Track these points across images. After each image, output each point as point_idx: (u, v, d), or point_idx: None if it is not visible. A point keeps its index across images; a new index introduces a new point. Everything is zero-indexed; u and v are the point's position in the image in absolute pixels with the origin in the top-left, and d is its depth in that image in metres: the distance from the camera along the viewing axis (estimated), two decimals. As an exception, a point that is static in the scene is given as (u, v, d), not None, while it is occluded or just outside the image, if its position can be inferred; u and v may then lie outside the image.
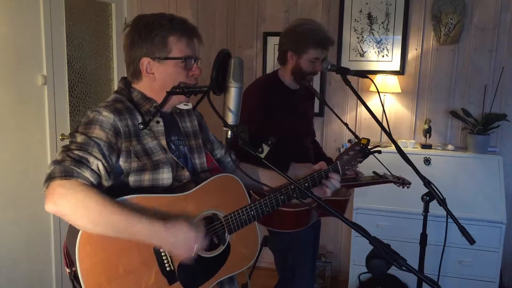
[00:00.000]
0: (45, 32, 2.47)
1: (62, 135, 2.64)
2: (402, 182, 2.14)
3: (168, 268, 1.27)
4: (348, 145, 1.62)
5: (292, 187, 1.45)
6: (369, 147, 1.60)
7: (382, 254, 1.05)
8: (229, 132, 1.33)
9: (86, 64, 2.89)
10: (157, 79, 1.35)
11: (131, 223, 1.16)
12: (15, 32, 2.31)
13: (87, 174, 1.17)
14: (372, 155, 1.72)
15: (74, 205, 1.12)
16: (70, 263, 1.19)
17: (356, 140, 1.61)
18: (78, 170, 1.16)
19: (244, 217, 1.39)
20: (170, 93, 1.33)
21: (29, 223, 2.47)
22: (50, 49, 2.52)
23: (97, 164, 1.19)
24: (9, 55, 2.30)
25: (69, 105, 2.72)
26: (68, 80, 2.70)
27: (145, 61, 1.33)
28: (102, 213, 1.13)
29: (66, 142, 2.64)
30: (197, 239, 1.24)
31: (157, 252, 1.25)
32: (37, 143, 2.51)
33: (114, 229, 1.15)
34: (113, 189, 1.24)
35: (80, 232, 1.15)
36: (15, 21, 2.31)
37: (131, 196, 1.22)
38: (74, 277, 1.17)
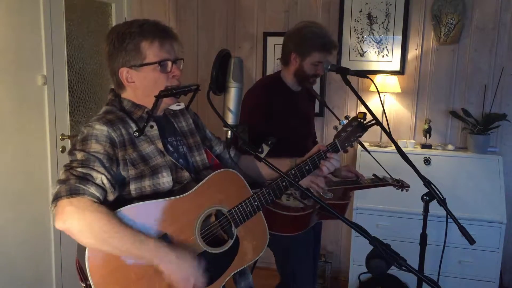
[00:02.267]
0: (45, 32, 2.47)
1: (62, 135, 2.63)
2: (401, 185, 2.14)
3: None
4: (345, 121, 1.62)
5: (293, 172, 1.46)
6: (366, 120, 1.59)
7: (382, 254, 1.05)
8: (229, 132, 1.33)
9: (86, 64, 2.89)
10: (138, 87, 1.35)
11: (137, 247, 1.17)
12: (15, 32, 2.31)
13: (92, 190, 1.18)
14: (373, 159, 1.72)
15: (82, 225, 1.14)
16: (84, 277, 1.20)
17: (353, 116, 1.61)
18: (84, 187, 1.17)
19: (248, 208, 1.40)
20: (159, 97, 1.33)
21: (29, 223, 2.46)
22: (50, 49, 2.52)
23: (101, 178, 1.21)
24: (9, 55, 2.29)
25: (69, 105, 2.71)
26: (68, 80, 2.69)
27: (123, 71, 1.33)
28: (108, 234, 1.14)
29: (66, 142, 2.65)
30: (197, 271, 1.25)
31: None
32: (37, 143, 2.50)
33: (119, 250, 1.17)
34: (116, 200, 1.25)
35: None
36: (15, 21, 2.31)
37: (132, 205, 1.22)
38: None
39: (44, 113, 2.52)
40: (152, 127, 1.37)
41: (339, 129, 1.59)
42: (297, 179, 1.47)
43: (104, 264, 1.17)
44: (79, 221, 1.14)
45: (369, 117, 1.58)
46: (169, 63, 1.34)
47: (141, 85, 1.35)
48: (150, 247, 1.18)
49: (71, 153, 1.25)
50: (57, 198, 1.16)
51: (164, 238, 1.25)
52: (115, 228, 1.15)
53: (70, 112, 2.72)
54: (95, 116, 1.33)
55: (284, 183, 1.45)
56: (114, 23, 3.08)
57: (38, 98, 2.48)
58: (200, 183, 1.34)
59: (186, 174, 1.38)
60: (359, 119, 1.57)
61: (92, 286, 1.15)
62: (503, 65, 3.00)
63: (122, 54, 1.32)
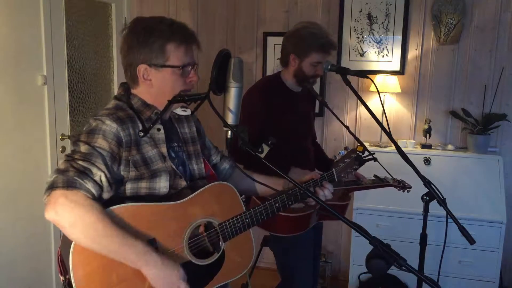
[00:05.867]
0: (45, 32, 2.47)
1: (62, 135, 2.64)
2: (403, 186, 2.14)
3: None
4: (344, 152, 1.63)
5: (286, 195, 1.46)
6: (365, 154, 1.60)
7: (382, 254, 1.05)
8: (229, 132, 1.33)
9: (86, 64, 2.89)
10: (154, 85, 1.33)
11: (125, 249, 1.16)
12: (15, 32, 2.31)
13: (89, 185, 1.17)
14: (373, 159, 1.71)
15: (73, 219, 1.13)
16: (64, 270, 1.19)
17: (352, 147, 1.62)
18: (81, 181, 1.16)
19: (239, 225, 1.39)
20: (171, 102, 1.32)
21: (29, 223, 2.46)
22: (50, 49, 2.52)
23: (100, 175, 1.19)
24: (9, 55, 2.30)
25: (69, 105, 2.72)
26: (68, 80, 2.70)
27: (142, 68, 1.31)
28: (97, 232, 1.14)
29: (66, 142, 2.65)
30: (181, 280, 1.23)
31: None
32: (37, 143, 2.51)
33: (107, 249, 1.16)
34: (110, 197, 1.24)
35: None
36: (15, 21, 2.31)
37: (126, 204, 1.22)
38: (68, 284, 1.17)
39: (44, 113, 2.52)
40: (159, 130, 1.35)
41: (337, 159, 1.60)
42: (290, 203, 1.47)
43: (87, 261, 1.16)
44: (71, 215, 1.12)
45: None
46: (190, 68, 1.34)
47: (156, 85, 1.33)
48: (138, 250, 1.17)
49: (75, 143, 1.24)
50: (52, 187, 1.14)
51: (152, 243, 1.24)
52: (106, 228, 1.14)
53: (70, 112, 2.72)
54: (105, 110, 1.30)
55: (277, 205, 1.44)
56: (114, 23, 3.08)
57: (38, 98, 2.49)
58: (196, 192, 1.34)
59: (183, 183, 1.37)
60: (358, 152, 1.58)
61: (72, 281, 1.14)
62: (503, 65, 3.00)
63: (146, 51, 1.29)
